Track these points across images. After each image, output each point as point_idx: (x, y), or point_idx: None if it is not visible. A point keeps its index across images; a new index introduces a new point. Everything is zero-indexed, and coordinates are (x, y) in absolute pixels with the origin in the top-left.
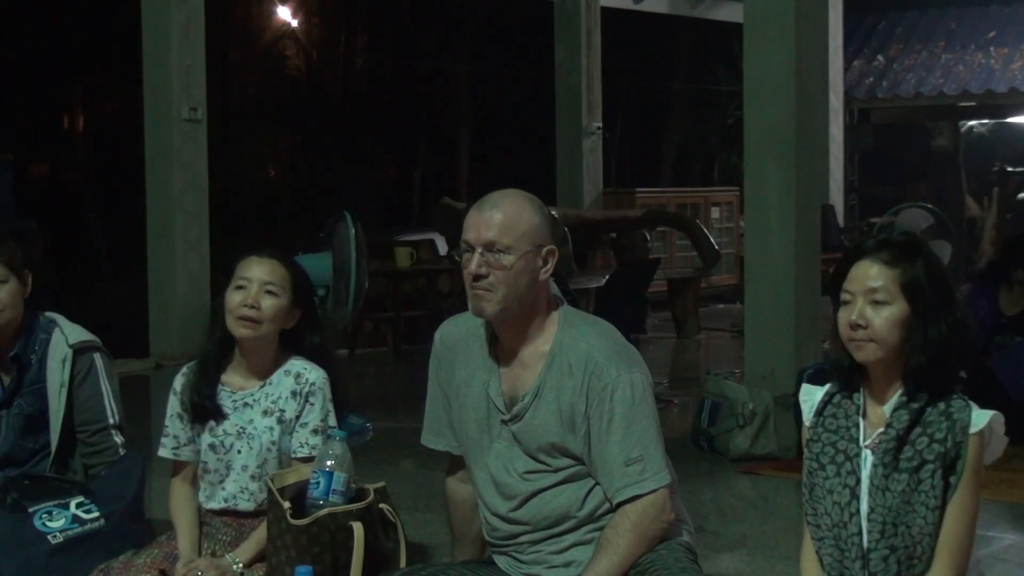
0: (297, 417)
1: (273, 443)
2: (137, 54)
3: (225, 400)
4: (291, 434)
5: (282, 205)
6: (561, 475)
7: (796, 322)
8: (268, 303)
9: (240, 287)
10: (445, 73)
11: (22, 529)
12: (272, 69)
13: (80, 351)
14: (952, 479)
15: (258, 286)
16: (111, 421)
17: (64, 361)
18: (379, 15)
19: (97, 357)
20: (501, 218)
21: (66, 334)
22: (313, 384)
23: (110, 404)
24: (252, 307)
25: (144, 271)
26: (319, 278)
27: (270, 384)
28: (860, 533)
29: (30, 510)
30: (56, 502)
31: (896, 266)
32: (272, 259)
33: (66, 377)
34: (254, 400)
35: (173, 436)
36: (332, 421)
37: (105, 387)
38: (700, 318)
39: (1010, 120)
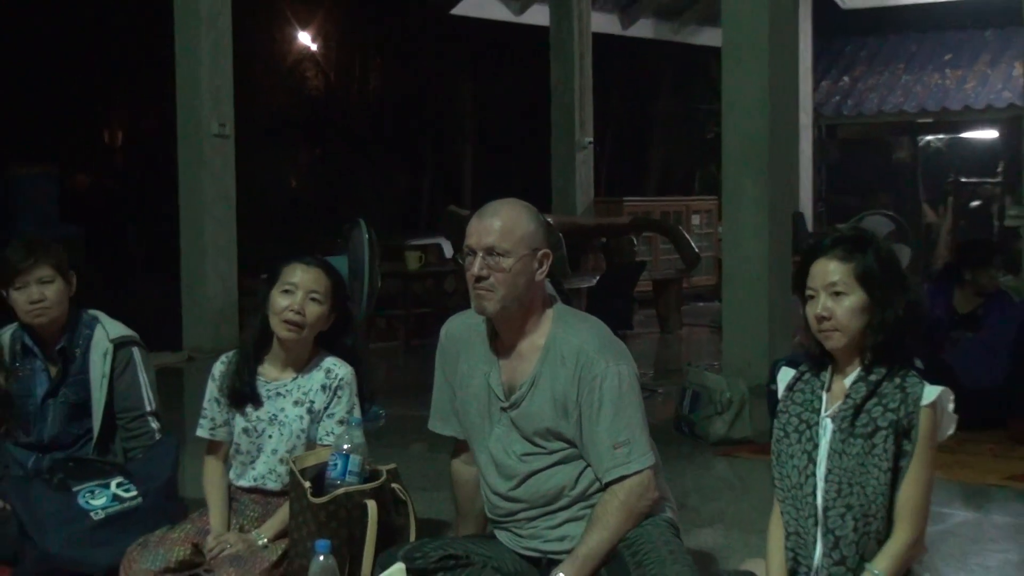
0: (325, 408)
1: (302, 431)
2: (171, 75)
3: (260, 388)
4: (318, 423)
5: (303, 212)
6: (555, 457)
7: (769, 319)
8: (312, 309)
9: (287, 292)
10: (450, 92)
11: (67, 506)
12: (294, 89)
13: (120, 345)
14: (907, 447)
15: (304, 293)
16: (148, 408)
17: (105, 354)
18: (391, 40)
19: (135, 350)
20: (500, 225)
21: (107, 330)
22: (342, 380)
23: (147, 393)
24: (297, 312)
25: (177, 272)
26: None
27: (303, 377)
28: (815, 494)
29: (74, 489)
30: (98, 482)
31: (850, 260)
32: (317, 268)
33: (107, 369)
34: (287, 390)
35: (210, 418)
36: (357, 414)
37: (143, 378)
38: (682, 315)
39: (964, 135)
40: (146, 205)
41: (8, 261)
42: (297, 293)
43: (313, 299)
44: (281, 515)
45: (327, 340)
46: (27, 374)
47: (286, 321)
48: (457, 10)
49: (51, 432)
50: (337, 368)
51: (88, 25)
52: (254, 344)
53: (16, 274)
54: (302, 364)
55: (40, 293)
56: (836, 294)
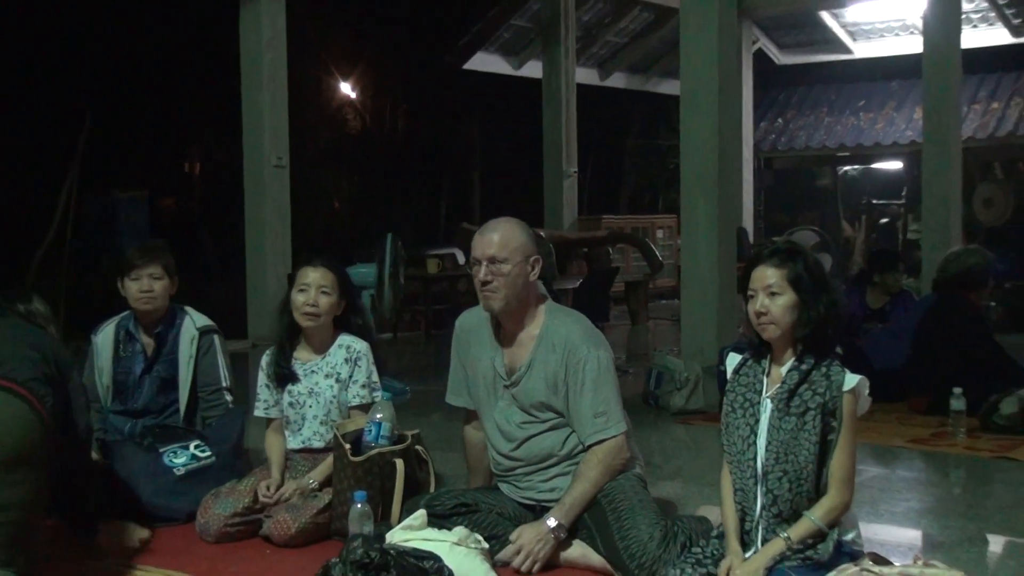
0: (350, 377)
1: (334, 397)
2: (239, 117)
3: (298, 369)
4: (347, 390)
5: (343, 228)
6: (547, 424)
7: (718, 313)
8: (324, 301)
9: (302, 290)
10: (462, 132)
11: (155, 464)
12: (336, 129)
13: (204, 332)
14: (832, 424)
15: (315, 289)
16: (223, 384)
17: (192, 340)
18: (414, 90)
19: (215, 337)
20: (498, 238)
21: (194, 320)
22: (359, 352)
23: (224, 372)
24: (312, 305)
25: (243, 276)
26: (369, 282)
27: (329, 355)
28: (755, 459)
29: (160, 450)
30: (179, 444)
31: (783, 267)
32: (323, 267)
33: (193, 351)
34: (318, 368)
35: (263, 400)
36: (375, 378)
37: (220, 360)
38: (648, 310)
39: (874, 166)
40: (218, 222)
41: (129, 257)
42: (310, 290)
43: (324, 292)
44: (326, 464)
45: (343, 322)
46: (128, 355)
47: (305, 313)
48: (468, 65)
49: (144, 402)
50: (354, 343)
51: (171, 77)
52: (286, 336)
53: (132, 268)
54: (326, 345)
55: (149, 285)
56: (772, 294)
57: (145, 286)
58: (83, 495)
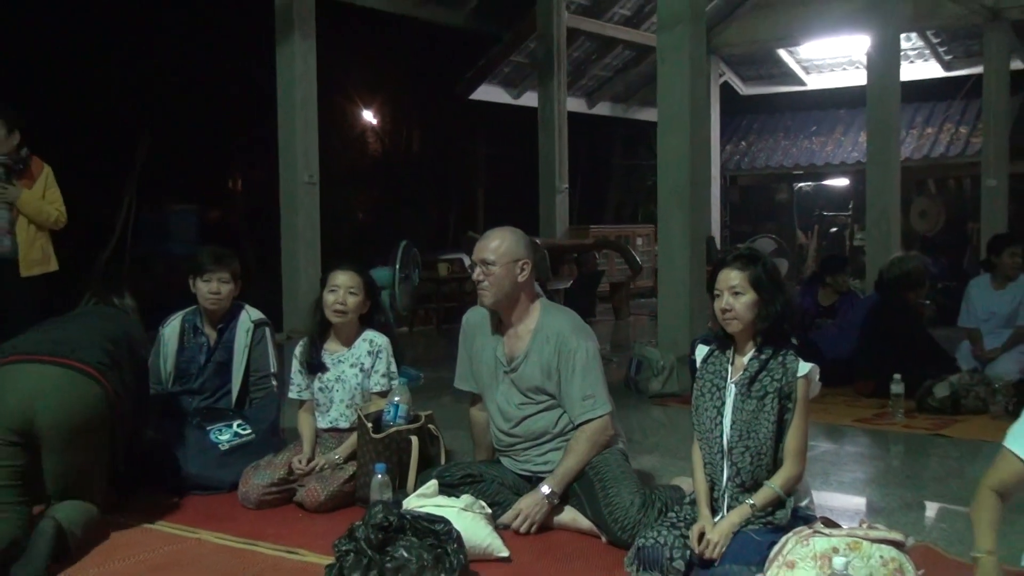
0: (372, 367)
1: (358, 384)
2: (275, 140)
3: (326, 359)
4: (369, 378)
5: (366, 236)
6: (542, 406)
7: (690, 310)
8: (351, 300)
9: (332, 291)
10: (469, 153)
11: (203, 440)
12: (360, 150)
13: (257, 325)
14: (788, 406)
15: (344, 290)
16: (271, 371)
17: (248, 331)
18: (427, 116)
19: (267, 330)
20: (492, 245)
21: (250, 314)
22: (380, 346)
23: (272, 361)
24: (341, 304)
25: (279, 278)
26: (386, 282)
27: (354, 348)
28: (721, 436)
29: (207, 428)
30: (224, 423)
31: (745, 270)
32: (351, 270)
33: (248, 341)
34: (344, 358)
35: (296, 384)
36: (394, 368)
37: (270, 349)
38: (630, 307)
39: (825, 183)
40: (257, 232)
41: (202, 261)
42: (339, 291)
43: (351, 293)
44: (350, 441)
45: (367, 319)
46: (192, 345)
47: (335, 311)
48: (473, 96)
49: (202, 384)
50: (376, 338)
51: (217, 106)
52: (318, 331)
53: (204, 271)
54: (352, 339)
55: (218, 288)
56: (735, 293)
57: (214, 288)
58: (128, 457)
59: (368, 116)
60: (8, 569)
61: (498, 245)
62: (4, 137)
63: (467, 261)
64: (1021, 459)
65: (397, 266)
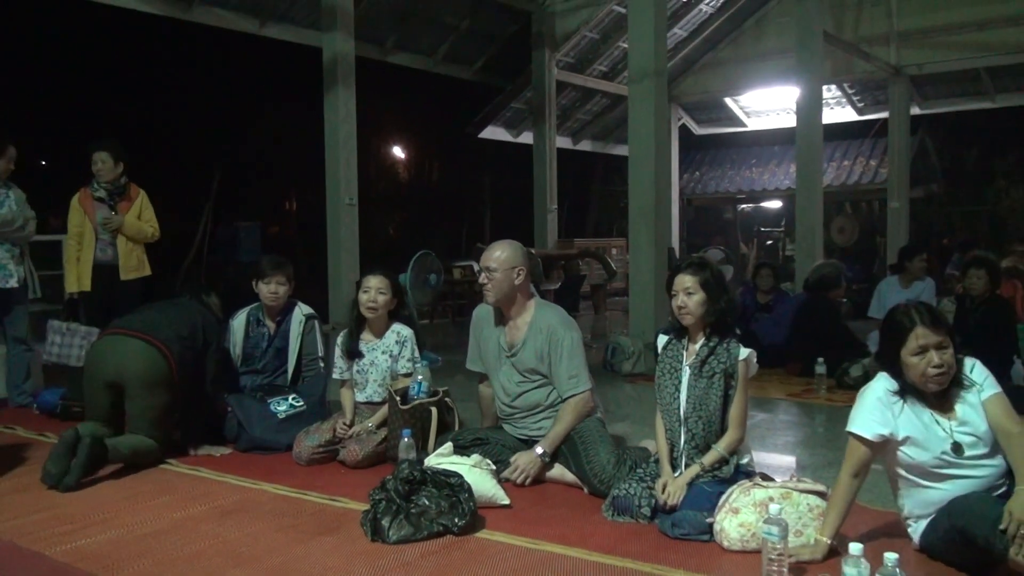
0: (399, 353)
1: (388, 367)
2: (323, 170)
3: (363, 347)
4: (397, 362)
5: (396, 248)
6: (536, 384)
7: (654, 307)
8: (381, 299)
9: (365, 291)
10: (478, 181)
11: (264, 410)
12: (391, 178)
13: (308, 318)
14: (732, 383)
15: (375, 290)
16: (319, 354)
17: (300, 323)
18: (444, 151)
19: (316, 322)
20: (495, 255)
21: (302, 309)
22: (406, 336)
23: (319, 346)
24: (372, 301)
25: (326, 281)
26: (405, 285)
27: (385, 338)
28: (679, 408)
29: (268, 401)
30: (281, 397)
31: (696, 275)
32: (380, 275)
33: (300, 331)
34: (377, 347)
35: (339, 367)
36: (417, 354)
37: (318, 338)
38: (607, 305)
39: (762, 205)
40: (308, 244)
41: (263, 266)
42: (371, 291)
43: (381, 293)
44: (381, 412)
45: (395, 314)
46: (255, 335)
47: (367, 308)
48: (482, 135)
49: (264, 364)
50: (403, 329)
51: (277, 143)
52: (355, 324)
53: (264, 275)
54: (383, 330)
55: (276, 289)
56: (688, 294)
57: (273, 289)
58: (196, 415)
59: (397, 151)
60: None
61: (499, 255)
62: (112, 168)
63: (476, 267)
64: (861, 437)
65: (408, 273)
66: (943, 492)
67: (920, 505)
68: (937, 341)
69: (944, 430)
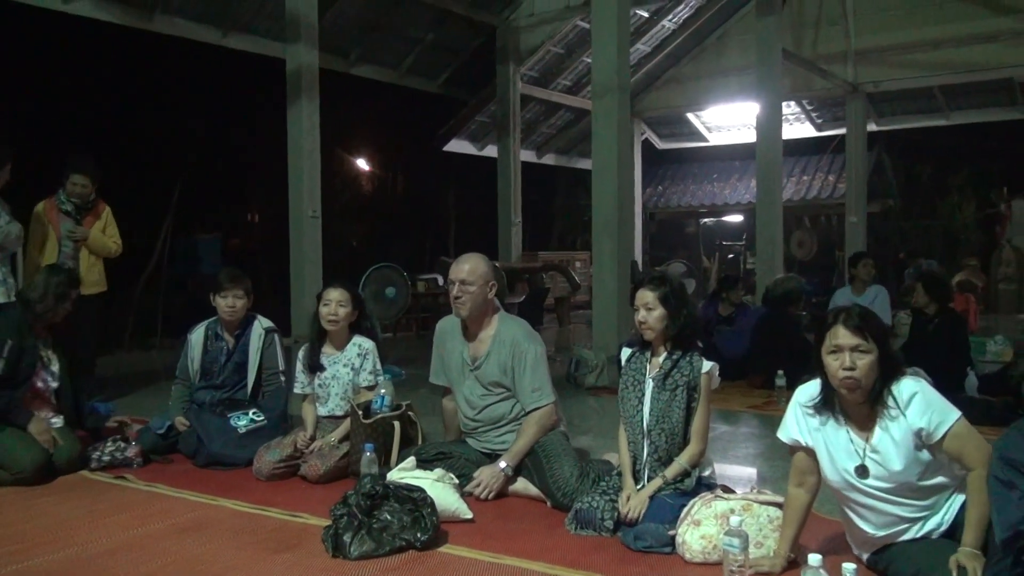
0: (361, 366)
1: (350, 380)
2: (286, 181)
3: (324, 360)
4: (359, 375)
5: (359, 261)
6: (499, 397)
7: (618, 320)
8: (341, 312)
9: (326, 304)
10: (442, 193)
11: (224, 425)
12: (355, 191)
13: (268, 332)
14: (695, 395)
15: (335, 303)
16: (280, 368)
17: (260, 336)
18: (408, 163)
19: (276, 336)
20: (467, 267)
21: (262, 323)
22: (367, 349)
23: (280, 360)
24: (333, 314)
25: (288, 294)
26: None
27: (346, 351)
28: (642, 421)
29: (228, 415)
30: (241, 412)
31: (656, 290)
32: (341, 287)
33: (260, 345)
34: (338, 359)
35: (300, 381)
36: (379, 366)
37: (278, 351)
38: (570, 317)
39: (724, 218)
40: (271, 256)
41: (220, 280)
42: (331, 303)
43: (341, 305)
44: (345, 425)
45: (356, 326)
46: (214, 349)
47: (328, 320)
48: (446, 148)
49: (223, 379)
50: (364, 342)
51: (239, 154)
52: (316, 337)
53: (222, 288)
54: (344, 343)
55: (233, 302)
56: (648, 309)
57: (230, 303)
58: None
59: (361, 163)
60: None
61: (473, 268)
62: (90, 187)
63: (440, 280)
64: (791, 444)
65: (360, 288)
66: (865, 525)
67: (856, 542)
68: (854, 344)
69: (857, 450)
